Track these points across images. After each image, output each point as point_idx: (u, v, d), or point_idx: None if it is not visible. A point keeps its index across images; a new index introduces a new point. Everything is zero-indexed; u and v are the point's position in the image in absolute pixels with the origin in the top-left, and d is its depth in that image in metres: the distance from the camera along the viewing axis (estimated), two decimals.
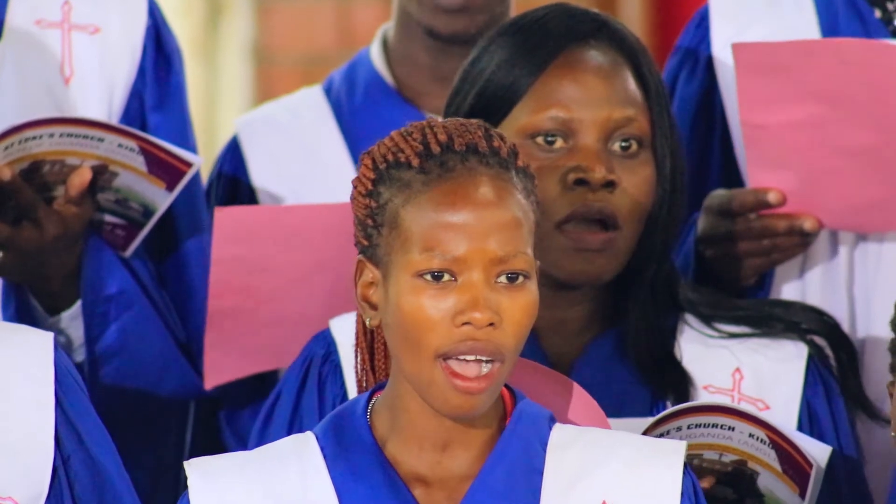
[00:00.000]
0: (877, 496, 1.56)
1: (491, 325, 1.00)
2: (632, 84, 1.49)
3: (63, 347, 1.80)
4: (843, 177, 1.69)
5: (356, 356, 1.18)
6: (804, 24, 1.87)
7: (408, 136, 1.06)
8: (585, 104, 1.46)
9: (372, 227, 1.05)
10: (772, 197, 1.69)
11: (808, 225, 1.70)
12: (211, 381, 1.88)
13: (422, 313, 1.00)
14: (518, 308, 1.03)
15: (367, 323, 1.10)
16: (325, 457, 1.05)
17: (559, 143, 1.46)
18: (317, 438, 1.07)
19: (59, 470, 1.18)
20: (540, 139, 1.46)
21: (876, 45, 1.69)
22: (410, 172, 1.03)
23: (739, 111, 1.72)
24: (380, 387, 1.11)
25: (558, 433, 1.08)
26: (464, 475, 1.04)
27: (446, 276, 1.01)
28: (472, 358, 1.00)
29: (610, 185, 1.43)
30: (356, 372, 1.18)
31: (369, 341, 1.14)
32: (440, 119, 1.14)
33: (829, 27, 1.86)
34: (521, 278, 1.02)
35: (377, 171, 1.05)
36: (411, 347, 1.01)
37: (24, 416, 1.18)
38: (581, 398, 1.25)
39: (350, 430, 1.06)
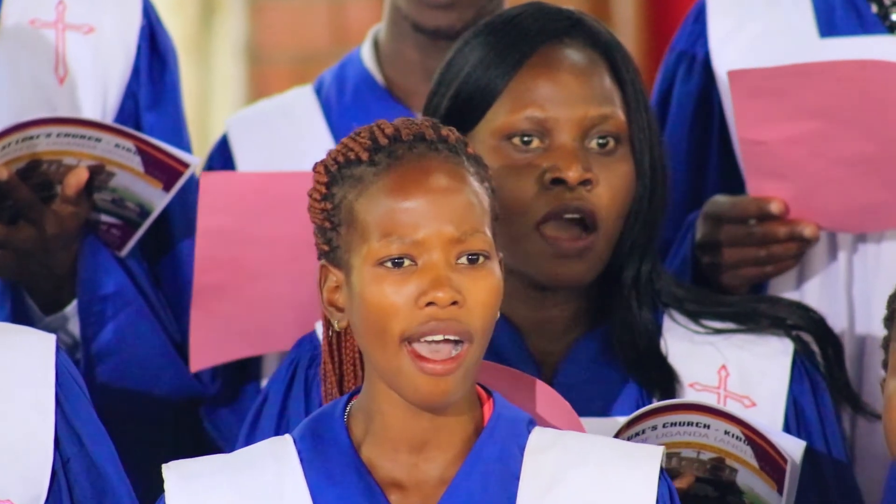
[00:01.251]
0: (874, 494, 1.56)
1: (454, 304, 1.00)
2: (607, 81, 1.49)
3: (66, 346, 1.80)
4: (841, 184, 1.70)
5: (324, 377, 1.18)
6: (801, 20, 1.87)
7: (356, 136, 1.08)
8: (561, 103, 1.46)
9: (330, 229, 1.06)
10: (774, 207, 1.70)
11: (808, 232, 1.71)
12: (196, 363, 1.86)
13: (385, 300, 1.00)
14: (481, 288, 1.03)
15: (336, 325, 1.10)
16: (301, 460, 1.05)
17: (535, 142, 1.47)
18: (294, 441, 1.07)
19: (59, 472, 1.18)
20: (516, 140, 1.47)
21: (870, 64, 1.69)
22: (361, 167, 1.04)
23: (736, 130, 1.74)
24: (358, 390, 1.11)
25: (537, 437, 1.08)
26: (440, 479, 1.04)
27: (406, 262, 1.01)
28: (440, 338, 1.00)
29: (587, 183, 1.44)
30: (323, 391, 1.19)
31: (338, 359, 1.15)
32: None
33: (826, 22, 1.86)
34: (481, 259, 1.02)
35: (329, 174, 1.07)
36: (377, 337, 1.01)
37: (24, 418, 1.17)
38: (550, 398, 1.25)
39: (327, 434, 1.06)
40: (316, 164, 1.10)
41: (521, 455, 1.05)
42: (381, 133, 1.05)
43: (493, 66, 1.47)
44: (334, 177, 1.06)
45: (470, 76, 1.50)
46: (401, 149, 1.03)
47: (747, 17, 1.92)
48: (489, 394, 1.09)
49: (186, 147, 1.97)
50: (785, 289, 1.81)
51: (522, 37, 1.49)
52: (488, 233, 1.03)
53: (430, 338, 1.00)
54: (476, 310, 1.02)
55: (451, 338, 1.00)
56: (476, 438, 1.05)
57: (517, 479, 1.04)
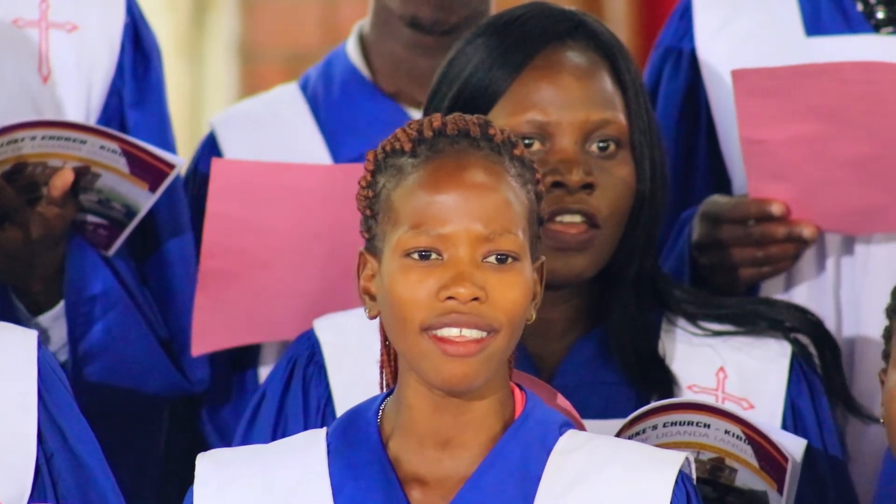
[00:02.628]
0: (864, 496, 1.55)
1: (476, 300, 1.00)
2: (609, 84, 1.48)
3: (54, 348, 1.80)
4: (841, 186, 1.69)
5: (381, 374, 1.16)
6: (787, 18, 1.86)
7: (408, 126, 1.07)
8: (562, 107, 1.45)
9: (370, 217, 1.06)
10: (775, 208, 1.69)
11: (807, 232, 1.70)
12: (198, 347, 1.84)
13: (407, 290, 1.00)
14: (506, 285, 1.02)
15: (367, 314, 1.09)
16: (328, 453, 1.05)
17: (536, 145, 1.45)
18: (327, 435, 1.07)
19: (42, 468, 1.16)
20: None
21: (873, 66, 1.69)
22: (403, 158, 1.04)
23: (738, 129, 1.72)
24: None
25: (567, 439, 1.08)
26: (462, 476, 1.04)
27: (433, 256, 1.01)
28: (457, 332, 0.99)
29: (588, 187, 1.42)
30: (380, 387, 1.16)
31: (392, 355, 1.12)
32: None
33: (812, 20, 1.85)
34: (509, 260, 1.01)
35: (376, 163, 1.06)
36: (400, 325, 1.02)
37: (7, 414, 1.16)
38: (554, 400, 1.24)
39: (358, 428, 1.06)
40: (369, 150, 1.10)
41: (546, 457, 1.04)
42: (428, 125, 1.05)
43: (496, 68, 1.45)
44: (379, 165, 1.06)
45: (471, 77, 1.48)
46: (443, 143, 1.03)
47: (734, 14, 1.91)
48: (526, 395, 1.08)
49: (171, 145, 1.96)
50: (773, 292, 1.79)
51: (525, 38, 1.47)
52: (521, 235, 1.03)
53: (447, 331, 0.99)
54: (499, 304, 1.01)
55: (469, 334, 0.99)
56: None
57: (538, 480, 1.03)
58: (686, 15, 1.94)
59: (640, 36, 4.93)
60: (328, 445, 1.05)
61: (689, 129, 1.97)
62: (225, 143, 2.15)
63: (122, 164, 1.79)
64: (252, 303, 1.78)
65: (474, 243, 1.01)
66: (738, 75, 1.67)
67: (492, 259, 1.01)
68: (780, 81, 1.67)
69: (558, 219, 1.42)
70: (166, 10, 4.51)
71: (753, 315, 1.54)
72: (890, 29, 1.88)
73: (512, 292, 1.01)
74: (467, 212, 1.00)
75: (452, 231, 1.00)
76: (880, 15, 1.86)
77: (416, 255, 1.01)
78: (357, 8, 5.00)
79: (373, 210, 1.07)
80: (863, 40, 1.81)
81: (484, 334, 1.00)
